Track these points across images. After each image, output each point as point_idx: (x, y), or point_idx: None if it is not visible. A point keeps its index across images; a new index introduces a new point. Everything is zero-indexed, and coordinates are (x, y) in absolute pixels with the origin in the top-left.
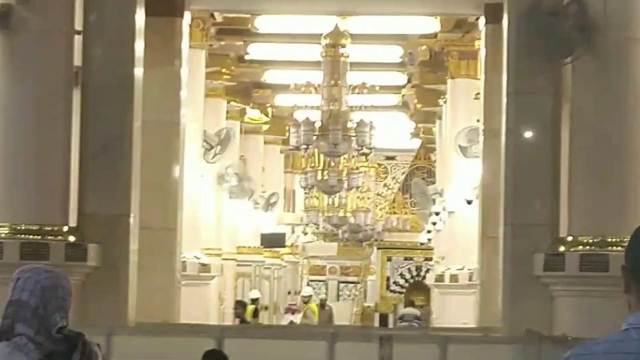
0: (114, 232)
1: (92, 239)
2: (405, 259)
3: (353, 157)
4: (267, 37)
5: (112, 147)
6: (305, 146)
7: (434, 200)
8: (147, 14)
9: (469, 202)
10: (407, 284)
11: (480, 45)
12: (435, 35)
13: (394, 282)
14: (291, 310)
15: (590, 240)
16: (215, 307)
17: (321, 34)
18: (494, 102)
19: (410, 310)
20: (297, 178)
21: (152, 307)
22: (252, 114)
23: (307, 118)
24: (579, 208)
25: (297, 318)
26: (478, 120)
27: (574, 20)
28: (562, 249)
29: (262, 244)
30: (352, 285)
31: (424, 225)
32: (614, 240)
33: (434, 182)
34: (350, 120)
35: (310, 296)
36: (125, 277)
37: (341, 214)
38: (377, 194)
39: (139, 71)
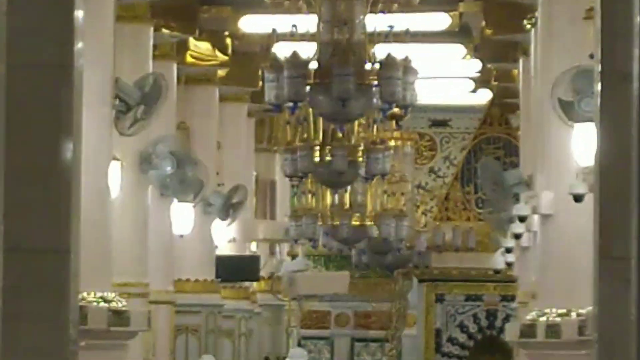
0: None
1: None
2: (468, 298)
3: (375, 122)
4: None
5: None
6: (291, 104)
7: (516, 197)
8: None
9: (578, 199)
10: (471, 342)
11: None
12: None
13: (449, 340)
14: None
15: None
16: None
17: None
18: (619, 24)
19: None
20: (279, 160)
21: None
22: (199, 49)
23: (295, 54)
24: None
25: None
26: (592, 56)
27: None
28: None
29: (218, 276)
30: (377, 345)
31: (500, 240)
32: None
33: (516, 165)
34: (370, 58)
35: None
36: None
37: (356, 221)
38: (418, 187)
39: None
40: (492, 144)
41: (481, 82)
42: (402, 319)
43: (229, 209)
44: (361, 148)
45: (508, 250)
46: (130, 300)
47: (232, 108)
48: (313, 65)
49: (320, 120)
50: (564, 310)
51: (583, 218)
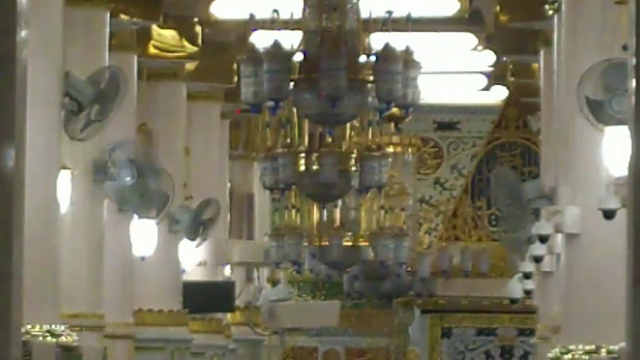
0: None
1: None
2: (480, 332)
3: (371, 125)
4: None
5: None
6: (272, 103)
7: (536, 213)
8: None
9: (609, 215)
10: None
11: None
12: None
13: None
14: None
15: None
16: None
17: None
18: None
19: None
20: (257, 169)
21: None
22: (164, 38)
23: (277, 44)
24: None
25: None
26: (625, 48)
27: None
28: None
29: (186, 306)
30: None
31: (518, 263)
32: None
33: (537, 176)
34: (365, 50)
35: None
36: None
37: (347, 242)
38: (421, 201)
39: None
40: (507, 150)
41: (495, 77)
42: (402, 356)
43: (198, 227)
44: (354, 155)
45: (526, 276)
46: (82, 334)
47: (202, 108)
48: (298, 57)
49: (306, 122)
50: (592, 347)
51: (615, 238)
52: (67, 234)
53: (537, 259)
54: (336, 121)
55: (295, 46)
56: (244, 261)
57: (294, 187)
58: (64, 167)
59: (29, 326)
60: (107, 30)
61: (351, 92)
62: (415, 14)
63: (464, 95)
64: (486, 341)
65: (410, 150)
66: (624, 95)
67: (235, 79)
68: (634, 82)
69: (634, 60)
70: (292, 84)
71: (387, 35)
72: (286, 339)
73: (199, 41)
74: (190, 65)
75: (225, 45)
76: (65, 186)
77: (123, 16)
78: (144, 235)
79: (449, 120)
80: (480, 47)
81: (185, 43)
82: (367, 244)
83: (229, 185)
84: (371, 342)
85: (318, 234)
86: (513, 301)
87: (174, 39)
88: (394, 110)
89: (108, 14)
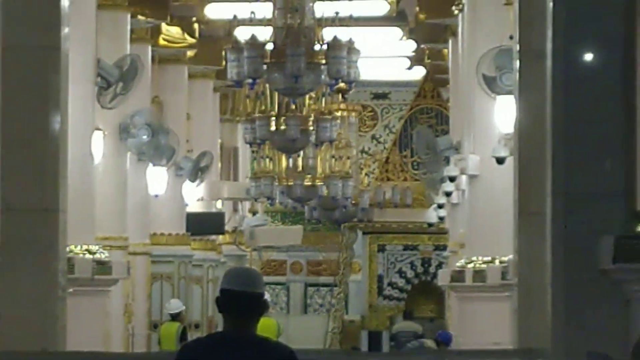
0: None
1: None
2: (406, 248)
3: (323, 95)
4: None
5: None
6: (250, 80)
7: (446, 159)
8: None
9: (500, 161)
10: (408, 287)
11: None
12: None
13: (390, 284)
14: None
15: None
16: (120, 326)
17: None
18: (534, 9)
19: (407, 325)
20: (240, 129)
21: (24, 328)
22: (170, 33)
23: (254, 37)
24: None
25: None
26: (511, 38)
27: None
28: None
29: (188, 230)
30: (327, 289)
31: (433, 197)
32: None
33: (447, 132)
34: (319, 41)
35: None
36: None
37: (308, 182)
38: (362, 151)
39: None
40: (425, 114)
41: (416, 60)
42: (348, 266)
43: (197, 172)
44: (311, 118)
45: (440, 206)
46: (111, 252)
47: (199, 84)
48: (269, 46)
49: (276, 94)
50: (488, 258)
51: (504, 178)
52: (100, 178)
53: (448, 194)
54: (298, 94)
55: (267, 38)
56: (231, 197)
57: (267, 142)
58: (97, 129)
59: (72, 247)
60: (128, 27)
61: (309, 72)
62: (356, 14)
63: (393, 74)
64: (410, 255)
65: (353, 114)
66: (510, 72)
67: (224, 62)
68: (517, 63)
69: (517, 47)
70: (265, 66)
71: (335, 30)
72: (262, 254)
73: (197, 35)
74: (190, 53)
75: (216, 38)
76: (98, 143)
77: (140, 17)
78: (157, 178)
79: (382, 92)
80: (404, 38)
81: (187, 36)
82: (322, 183)
83: (219, 141)
84: (326, 256)
85: (286, 177)
86: (430, 225)
87: (178, 33)
88: (341, 84)
89: (129, 15)
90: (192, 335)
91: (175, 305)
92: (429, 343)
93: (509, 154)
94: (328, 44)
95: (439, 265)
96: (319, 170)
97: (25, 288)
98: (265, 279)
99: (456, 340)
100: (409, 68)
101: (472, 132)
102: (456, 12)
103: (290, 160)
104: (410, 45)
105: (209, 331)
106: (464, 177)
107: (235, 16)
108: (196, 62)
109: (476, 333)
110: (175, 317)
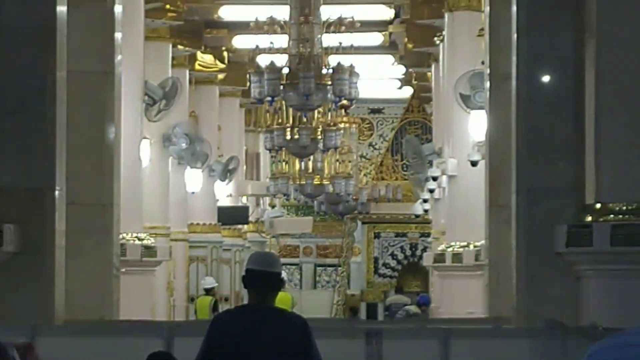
0: (35, 210)
1: (9, 219)
2: (397, 235)
3: (329, 110)
4: None
5: (31, 103)
6: (270, 98)
7: (430, 163)
8: None
9: (474, 164)
10: (399, 266)
11: None
12: None
13: (384, 264)
14: None
15: (624, 208)
16: (163, 300)
17: None
18: (501, 39)
19: (398, 298)
20: (261, 138)
21: (85, 301)
22: (204, 59)
23: (272, 63)
24: (610, 168)
25: None
26: (483, 63)
27: None
28: (589, 219)
29: (219, 221)
30: (332, 269)
31: (419, 193)
32: None
33: (430, 140)
34: (326, 66)
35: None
36: (51, 265)
37: (316, 181)
38: (361, 156)
39: (62, 10)
40: (413, 125)
41: (405, 81)
42: (350, 250)
43: (226, 173)
44: (320, 129)
45: (425, 201)
46: (156, 238)
47: (228, 101)
48: (285, 70)
49: (291, 109)
50: (464, 243)
51: (478, 178)
52: (147, 179)
53: (431, 191)
54: (308, 109)
55: (284, 64)
56: (254, 194)
57: (284, 148)
58: (145, 138)
59: (124, 234)
60: (170, 55)
61: (318, 91)
62: (356, 44)
63: (386, 92)
64: (401, 240)
65: (354, 125)
66: (482, 91)
67: (248, 84)
68: (488, 84)
69: (488, 70)
70: (282, 87)
71: (339, 57)
72: (279, 240)
73: (226, 61)
74: (221, 76)
75: (242, 63)
76: (145, 150)
77: (179, 46)
78: (193, 178)
79: (377, 107)
80: (396, 63)
81: (218, 62)
82: (328, 182)
83: (244, 147)
84: (332, 241)
85: (299, 177)
86: (417, 216)
87: (211, 60)
88: (344, 101)
89: (170, 45)
90: (222, 307)
91: (209, 281)
92: (413, 309)
93: (481, 158)
94: (333, 68)
95: (424, 249)
96: (326, 171)
97: (86, 268)
98: (282, 260)
99: (437, 310)
100: (400, 88)
101: (451, 140)
102: (438, 42)
103: (303, 164)
104: (400, 69)
105: (236, 303)
106: (444, 177)
107: (257, 46)
108: (225, 83)
109: (454, 304)
110: (208, 292)
